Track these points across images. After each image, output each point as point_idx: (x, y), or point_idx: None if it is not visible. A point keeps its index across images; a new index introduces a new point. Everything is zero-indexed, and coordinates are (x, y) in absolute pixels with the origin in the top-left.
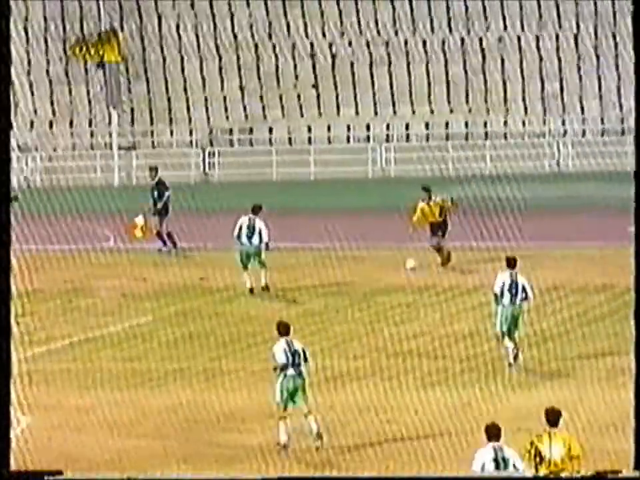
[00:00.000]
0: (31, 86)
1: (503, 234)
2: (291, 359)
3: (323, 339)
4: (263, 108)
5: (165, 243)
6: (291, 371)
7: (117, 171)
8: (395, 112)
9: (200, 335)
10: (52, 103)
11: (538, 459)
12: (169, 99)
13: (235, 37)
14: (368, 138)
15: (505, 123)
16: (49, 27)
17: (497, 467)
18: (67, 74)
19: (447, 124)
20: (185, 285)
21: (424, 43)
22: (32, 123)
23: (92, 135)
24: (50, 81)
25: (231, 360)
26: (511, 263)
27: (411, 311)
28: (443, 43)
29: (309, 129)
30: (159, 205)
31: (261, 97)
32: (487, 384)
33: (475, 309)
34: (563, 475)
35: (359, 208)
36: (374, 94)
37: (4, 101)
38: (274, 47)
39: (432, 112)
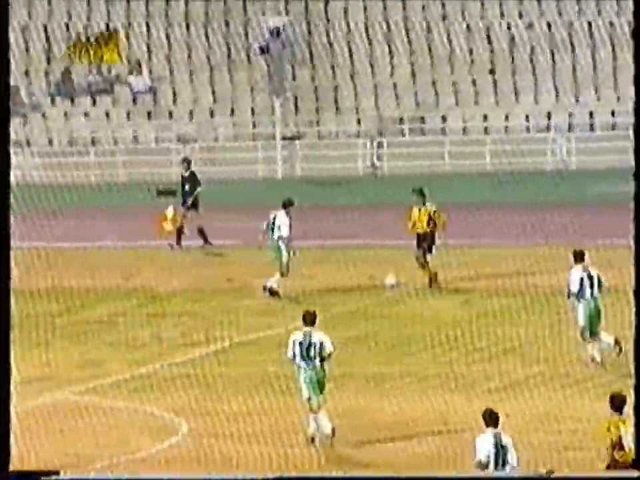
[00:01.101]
0: (190, 74)
1: None
2: (304, 351)
3: (499, 341)
4: (436, 95)
5: (178, 242)
6: (303, 364)
7: (280, 163)
8: (577, 100)
9: (368, 336)
10: (213, 92)
11: (617, 445)
12: (335, 87)
13: (406, 19)
14: (548, 127)
15: None
16: (209, 12)
17: (497, 453)
18: (228, 60)
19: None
20: (352, 284)
21: (610, 24)
22: (192, 113)
23: (254, 124)
24: (211, 68)
25: (402, 363)
26: (579, 257)
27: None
28: (629, 24)
29: (485, 118)
30: (190, 199)
31: (433, 84)
32: None
33: None
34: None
35: (536, 202)
36: (554, 80)
37: (3, 100)
38: (447, 29)
39: (618, 99)
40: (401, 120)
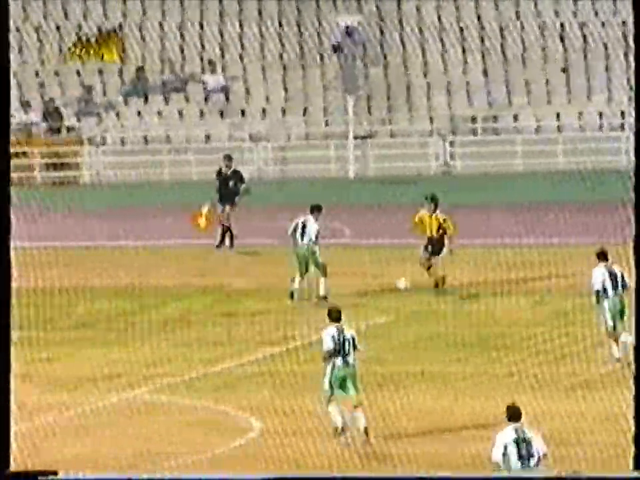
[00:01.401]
0: (263, 72)
1: None
2: (339, 346)
3: (572, 342)
4: (508, 94)
5: (223, 242)
6: (339, 360)
7: (352, 162)
8: None
9: (440, 335)
10: (285, 90)
11: None
12: (407, 85)
13: (479, 17)
14: (622, 126)
15: None
16: (282, 11)
17: (519, 448)
18: (301, 59)
19: None
20: (421, 283)
21: None
22: (264, 111)
23: (326, 123)
24: (284, 67)
25: (472, 363)
26: (602, 256)
27: None
28: None
29: (557, 117)
30: (238, 197)
31: (506, 82)
32: None
33: None
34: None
35: (610, 201)
36: (628, 79)
37: (3, 99)
38: (521, 27)
39: None
40: (474, 119)
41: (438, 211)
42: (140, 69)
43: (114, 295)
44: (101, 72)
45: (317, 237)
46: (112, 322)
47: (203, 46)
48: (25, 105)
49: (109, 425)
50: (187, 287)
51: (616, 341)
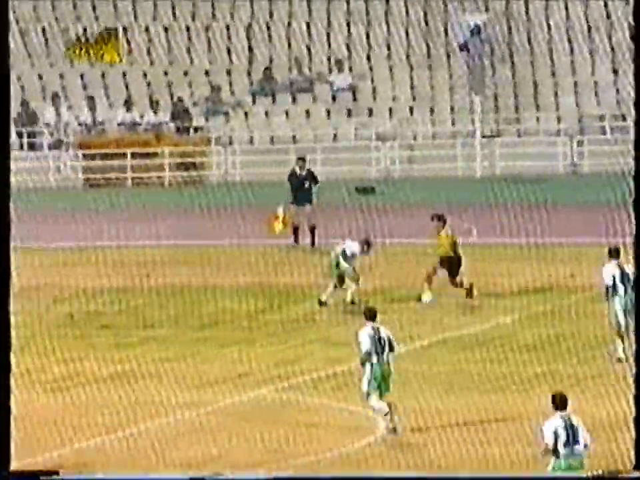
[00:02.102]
0: (390, 71)
1: None
2: (376, 346)
3: None
4: (637, 92)
5: (296, 240)
6: (375, 359)
7: (479, 161)
8: None
9: (566, 336)
10: (412, 89)
11: None
12: (535, 84)
13: (608, 16)
14: None
15: None
16: (409, 10)
17: (567, 434)
18: (428, 58)
19: None
20: (551, 283)
21: None
22: (391, 110)
23: (453, 122)
24: (410, 66)
25: (600, 364)
26: (614, 253)
27: None
28: None
29: None
30: (313, 197)
31: (636, 81)
32: None
33: None
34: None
35: None
36: None
37: (4, 101)
38: None
39: None
40: (602, 118)
41: (448, 230)
42: (267, 69)
43: (240, 294)
44: (229, 72)
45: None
46: (238, 321)
47: (329, 45)
48: (155, 105)
49: (234, 424)
50: (314, 287)
51: (622, 339)
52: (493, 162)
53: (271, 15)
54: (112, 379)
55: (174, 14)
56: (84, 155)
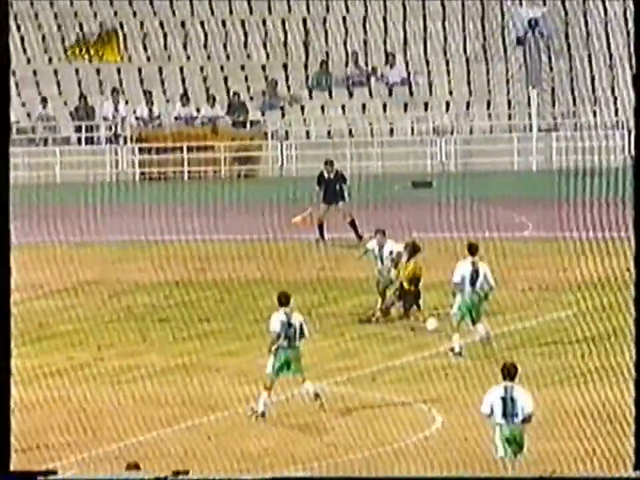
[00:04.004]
0: (447, 65)
1: None
2: (285, 330)
3: None
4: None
5: (322, 236)
6: (283, 343)
7: (535, 154)
8: None
9: (624, 329)
10: (469, 83)
11: None
12: (592, 78)
13: None
14: None
15: None
16: (465, 3)
17: (505, 405)
18: (484, 51)
19: None
20: (608, 277)
21: None
22: (448, 104)
23: (509, 116)
24: (467, 60)
25: None
26: (474, 250)
27: None
28: None
29: None
30: (334, 197)
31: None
32: None
33: None
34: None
35: None
36: None
37: (4, 98)
38: None
39: None
40: None
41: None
42: (324, 63)
43: (297, 288)
44: (285, 66)
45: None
46: None
47: (385, 40)
48: (211, 99)
49: (292, 417)
50: (371, 280)
51: (459, 334)
52: (550, 156)
53: (328, 9)
54: (170, 373)
55: (230, 9)
56: (140, 149)
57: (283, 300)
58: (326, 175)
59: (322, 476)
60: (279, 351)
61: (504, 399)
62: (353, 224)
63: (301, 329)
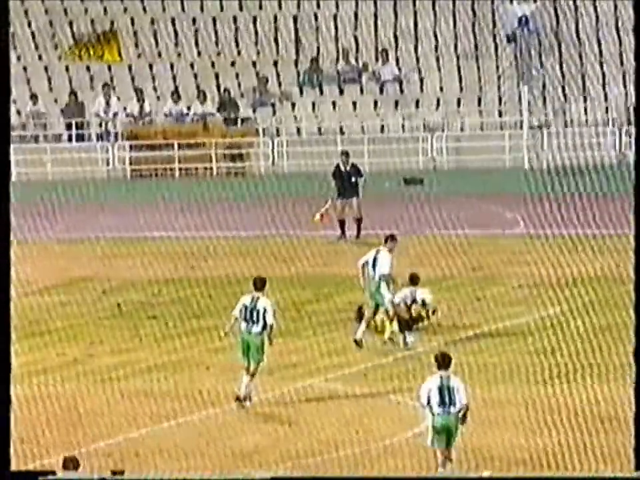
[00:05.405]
0: (437, 62)
1: None
2: (246, 314)
3: None
4: (637, 92)
5: (344, 234)
6: (243, 326)
7: (526, 152)
8: None
9: (618, 325)
10: (460, 80)
11: None
12: (582, 75)
13: None
14: None
15: None
16: (456, 1)
17: (442, 395)
18: (476, 48)
19: None
20: (597, 274)
21: None
22: (438, 101)
23: (500, 113)
24: (457, 57)
25: None
26: (414, 279)
27: None
28: None
29: None
30: (350, 192)
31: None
32: None
33: None
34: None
35: None
36: None
37: (4, 98)
38: None
39: None
40: None
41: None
42: (314, 60)
43: (287, 285)
44: (275, 63)
45: (389, 271)
46: (287, 312)
47: (376, 37)
48: (202, 96)
49: (283, 414)
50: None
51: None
52: (541, 153)
53: (318, 6)
54: (161, 369)
55: (221, 6)
56: (131, 146)
57: (258, 285)
58: (342, 167)
59: (321, 476)
60: (241, 335)
61: (440, 389)
62: (359, 222)
63: (264, 316)
